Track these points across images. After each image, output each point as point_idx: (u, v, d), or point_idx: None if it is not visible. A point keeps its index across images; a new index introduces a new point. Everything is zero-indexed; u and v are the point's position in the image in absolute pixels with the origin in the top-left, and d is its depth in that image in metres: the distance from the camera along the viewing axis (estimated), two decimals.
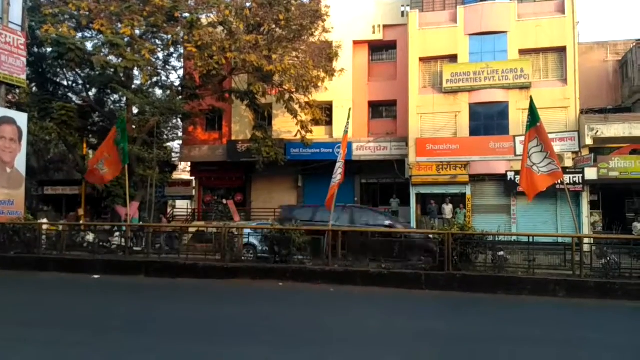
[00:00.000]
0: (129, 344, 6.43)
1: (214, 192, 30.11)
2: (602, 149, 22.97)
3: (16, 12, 17.14)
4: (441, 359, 6.09)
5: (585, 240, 12.10)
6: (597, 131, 22.03)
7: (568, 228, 20.90)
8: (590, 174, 21.67)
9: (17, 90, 20.77)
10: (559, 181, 13.35)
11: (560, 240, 14.10)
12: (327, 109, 27.13)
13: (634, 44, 26.78)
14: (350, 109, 19.41)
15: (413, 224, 23.35)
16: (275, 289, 11.11)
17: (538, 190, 12.11)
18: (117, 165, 15.10)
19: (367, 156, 25.95)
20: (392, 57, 27.70)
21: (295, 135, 24.91)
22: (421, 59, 24.91)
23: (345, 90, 26.41)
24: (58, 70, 25.01)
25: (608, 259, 11.11)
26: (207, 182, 30.23)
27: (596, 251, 11.52)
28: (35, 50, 23.13)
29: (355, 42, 27.05)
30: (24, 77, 17.54)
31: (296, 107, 24.37)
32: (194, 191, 30.85)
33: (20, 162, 17.15)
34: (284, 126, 26.53)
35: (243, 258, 13.33)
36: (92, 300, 9.70)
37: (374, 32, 27.07)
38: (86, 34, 23.83)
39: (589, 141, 22.08)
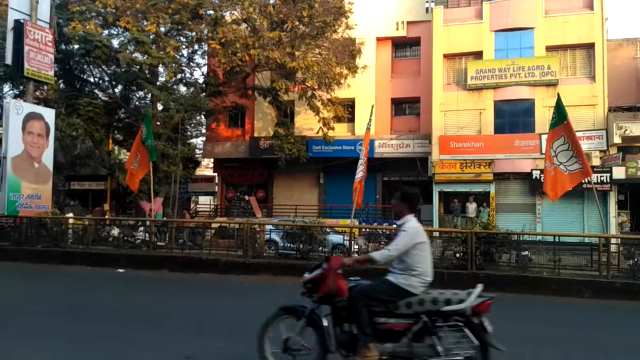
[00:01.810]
0: (149, 338, 6.51)
1: (236, 189, 30.30)
2: (630, 147, 22.44)
3: (44, 10, 17.45)
4: None
5: (613, 241, 11.84)
6: (626, 129, 21.55)
7: (595, 228, 20.49)
8: (618, 173, 21.23)
9: (45, 87, 21.18)
10: (587, 180, 13.11)
11: (586, 240, 13.84)
12: (349, 106, 27.06)
13: None
14: (372, 106, 19.36)
15: (435, 222, 23.18)
16: (296, 285, 11.04)
17: (565, 190, 11.90)
18: (147, 162, 15.45)
19: (390, 153, 25.80)
20: (415, 54, 27.47)
21: (317, 132, 24.91)
22: (445, 56, 24.65)
23: (368, 87, 26.30)
24: (85, 67, 25.42)
25: (636, 259, 10.89)
26: (229, 179, 30.43)
27: (623, 252, 11.30)
28: (63, 47, 23.52)
29: (379, 39, 26.89)
30: (51, 73, 17.83)
31: (318, 104, 24.36)
32: (216, 187, 31.08)
33: (47, 158, 17.47)
34: (306, 123, 26.54)
35: (265, 254, 13.40)
36: (115, 294, 9.85)
37: (397, 29, 26.86)
38: (112, 31, 24.16)
39: (617, 139, 21.60)
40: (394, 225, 19.17)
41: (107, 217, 23.27)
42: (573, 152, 11.56)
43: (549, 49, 23.47)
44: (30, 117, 16.90)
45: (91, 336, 6.53)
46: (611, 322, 8.42)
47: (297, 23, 22.52)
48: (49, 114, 17.82)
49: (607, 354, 6.35)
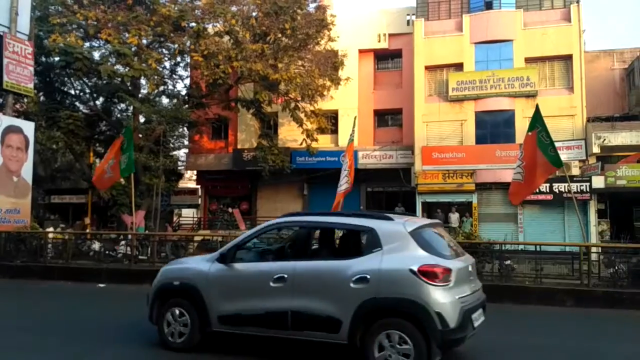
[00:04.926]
0: (129, 355, 6.46)
1: (219, 201, 30.14)
2: (609, 157, 22.84)
3: (24, 22, 17.30)
4: None
5: (593, 249, 11.98)
6: (604, 139, 21.92)
7: (575, 237, 20.72)
8: (598, 182, 21.53)
9: (25, 99, 20.91)
10: (567, 189, 13.36)
11: (567, 249, 14.00)
12: (332, 118, 27.16)
13: None
14: (355, 117, 19.43)
15: None
16: None
17: (511, 193, 12.59)
18: (117, 173, 15.24)
19: (373, 164, 25.91)
20: (397, 66, 27.73)
21: (301, 144, 24.94)
22: (427, 68, 24.91)
23: (350, 98, 26.44)
24: (65, 79, 25.19)
25: (616, 268, 11.01)
26: (212, 191, 30.27)
27: (604, 260, 11.41)
28: (43, 59, 23.28)
29: (361, 51, 27.10)
30: (31, 86, 17.65)
31: (302, 115, 24.41)
32: (199, 200, 30.89)
33: (26, 171, 17.24)
34: (290, 134, 26.57)
35: None
36: (94, 309, 9.68)
37: (379, 41, 27.11)
38: (94, 44, 24.03)
39: (596, 149, 21.96)
40: None
41: (87, 231, 22.95)
42: (521, 162, 11.95)
43: (528, 60, 23.85)
44: (9, 130, 16.68)
45: (65, 353, 6.42)
46: (593, 330, 8.49)
47: (279, 35, 22.59)
48: (29, 127, 17.62)
49: None
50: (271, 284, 5.81)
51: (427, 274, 5.21)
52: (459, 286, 5.41)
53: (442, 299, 5.17)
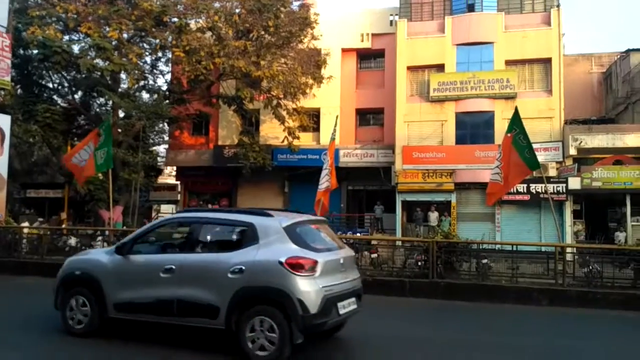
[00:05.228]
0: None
1: (199, 197, 29.92)
2: (585, 159, 23.21)
3: (2, 14, 17.00)
4: None
5: (568, 250, 12.20)
6: (581, 141, 22.30)
7: (551, 237, 21.04)
8: (574, 183, 21.91)
9: (2, 92, 20.51)
10: (544, 190, 13.55)
11: (543, 249, 14.21)
12: (314, 116, 27.14)
13: (618, 56, 27.22)
14: (337, 116, 19.46)
15: (398, 231, 23.42)
16: None
17: (489, 193, 13.08)
18: (91, 167, 14.88)
19: (354, 163, 26.00)
20: (380, 66, 27.84)
21: (282, 141, 24.89)
22: (409, 68, 25.06)
23: (333, 97, 26.47)
24: (44, 72, 24.73)
25: (590, 268, 11.23)
26: (192, 187, 30.08)
27: (579, 260, 11.63)
28: (21, 52, 22.88)
29: (344, 50, 27.14)
30: (8, 78, 17.35)
31: (284, 113, 24.36)
32: (179, 196, 30.64)
33: (2, 165, 16.95)
34: (271, 132, 26.51)
35: None
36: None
37: (362, 40, 27.18)
38: (73, 37, 23.65)
39: (572, 151, 22.33)
40: (358, 234, 19.21)
41: (64, 226, 22.61)
42: (499, 163, 12.15)
43: (508, 63, 24.12)
44: None
45: (41, 348, 6.35)
46: (567, 329, 8.64)
47: (262, 32, 22.51)
48: (5, 120, 17.32)
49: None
50: (161, 274, 6.32)
51: (294, 265, 5.76)
52: (325, 276, 5.92)
53: (305, 288, 5.71)
